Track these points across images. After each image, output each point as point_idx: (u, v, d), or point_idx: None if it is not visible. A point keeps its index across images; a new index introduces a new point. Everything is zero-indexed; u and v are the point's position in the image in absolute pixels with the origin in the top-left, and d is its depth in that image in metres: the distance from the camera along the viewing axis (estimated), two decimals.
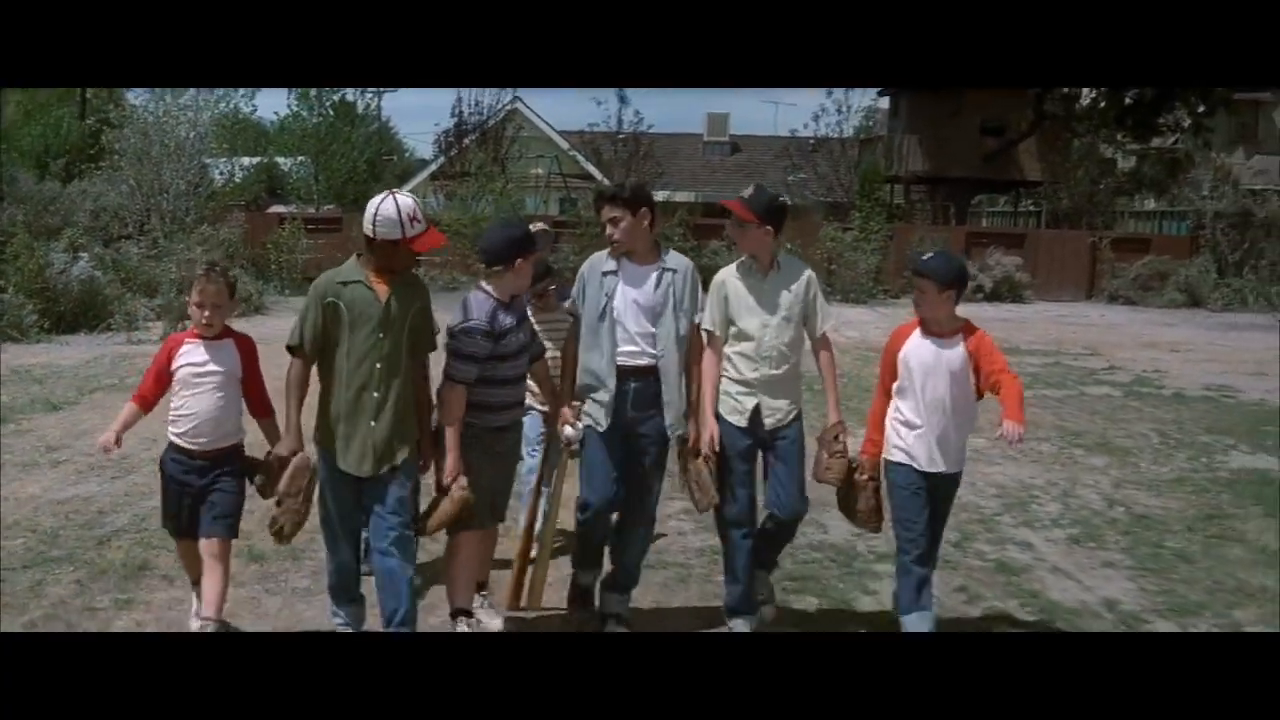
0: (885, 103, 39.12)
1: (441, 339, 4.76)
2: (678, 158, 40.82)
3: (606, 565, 5.27)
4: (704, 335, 5.06)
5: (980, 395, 4.92)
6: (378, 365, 4.50)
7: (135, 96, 27.70)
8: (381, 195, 4.54)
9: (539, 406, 5.40)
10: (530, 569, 5.29)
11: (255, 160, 33.02)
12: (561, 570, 5.52)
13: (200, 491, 4.67)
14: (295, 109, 35.53)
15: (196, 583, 4.84)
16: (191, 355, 4.68)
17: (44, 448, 8.51)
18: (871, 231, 26.19)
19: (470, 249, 21.66)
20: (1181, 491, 8.16)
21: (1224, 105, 33.66)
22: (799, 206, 32.10)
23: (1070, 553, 6.56)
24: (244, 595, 5.48)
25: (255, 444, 4.87)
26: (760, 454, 5.09)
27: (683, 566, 6.16)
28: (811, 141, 33.53)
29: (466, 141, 30.19)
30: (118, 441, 4.61)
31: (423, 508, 4.70)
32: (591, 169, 33.30)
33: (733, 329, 5.05)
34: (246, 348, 4.81)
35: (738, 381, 5.05)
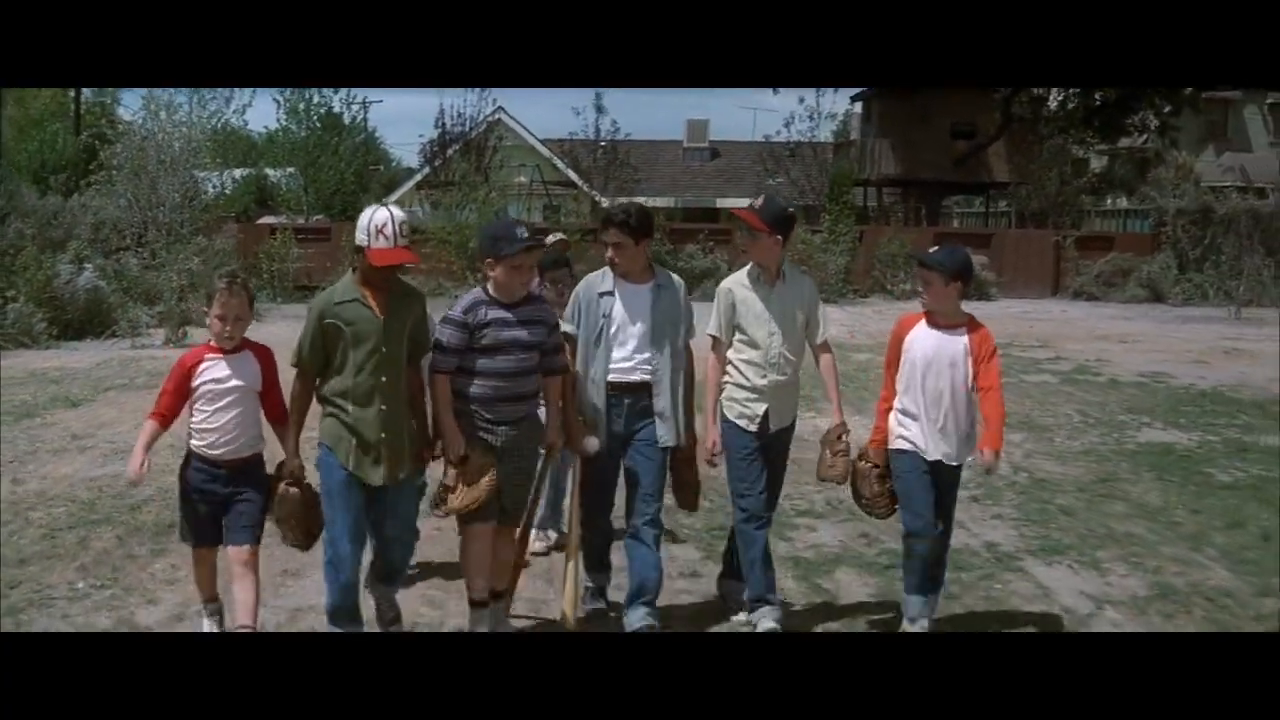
0: (859, 108, 40.17)
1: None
2: (658, 163, 41.80)
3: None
4: (709, 340, 5.27)
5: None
6: (383, 379, 4.58)
7: (128, 111, 28.42)
8: (372, 206, 4.68)
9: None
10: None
11: (245, 172, 33.80)
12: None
13: (224, 500, 4.68)
14: (284, 123, 36.45)
15: (209, 600, 4.91)
16: (214, 371, 4.65)
17: (69, 436, 9.45)
18: (840, 234, 27.07)
19: (455, 256, 22.64)
20: (1085, 461, 9.11)
21: (1190, 105, 34.46)
22: None
23: (968, 509, 7.42)
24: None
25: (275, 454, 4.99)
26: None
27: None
28: (790, 147, 34.47)
29: (450, 151, 30.97)
30: (144, 465, 4.55)
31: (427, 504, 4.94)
32: (573, 175, 34.27)
33: (740, 336, 5.20)
34: (266, 358, 4.79)
35: (747, 389, 5.18)
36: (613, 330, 5.08)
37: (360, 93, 37.70)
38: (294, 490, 4.70)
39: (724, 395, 5.26)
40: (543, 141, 37.04)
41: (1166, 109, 34.25)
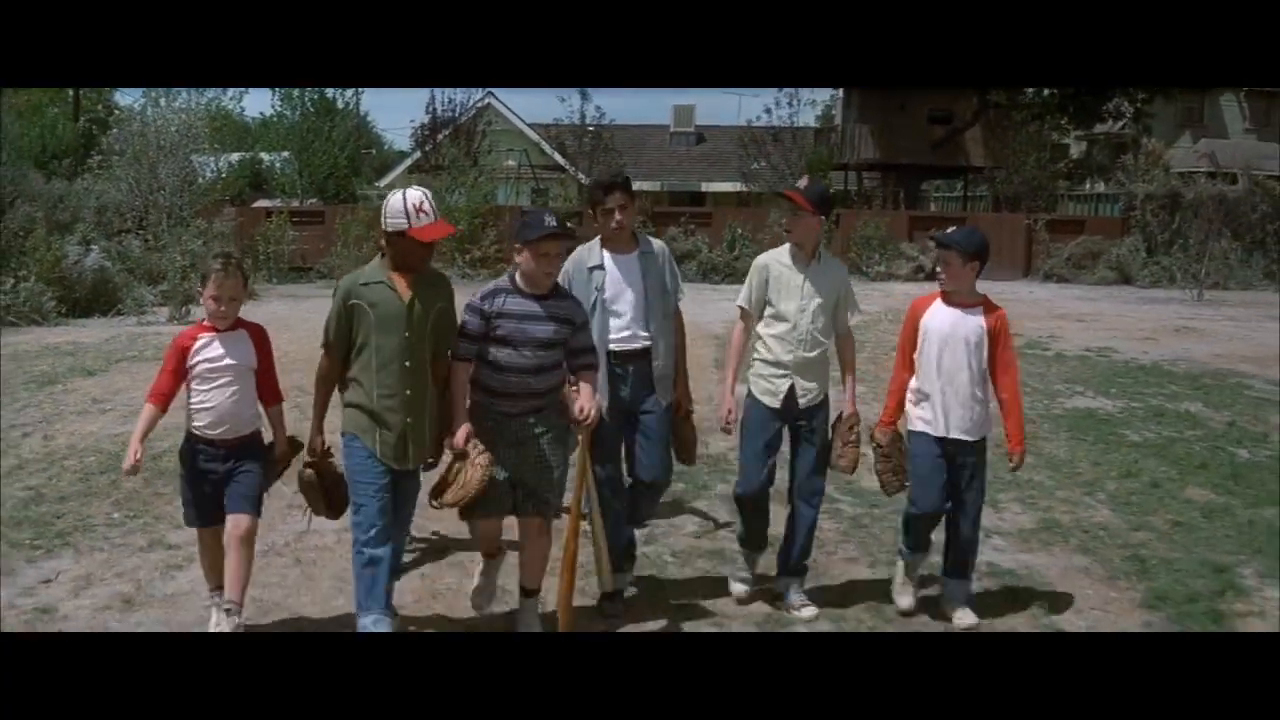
0: (842, 93, 40.85)
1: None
2: (646, 148, 42.44)
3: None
4: (738, 311, 5.40)
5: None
6: (406, 364, 4.59)
7: (126, 97, 28.86)
8: (394, 192, 4.71)
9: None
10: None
11: (240, 156, 34.33)
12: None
13: (223, 476, 4.76)
14: (279, 108, 37.02)
15: (215, 589, 4.94)
16: (208, 350, 4.73)
17: (90, 400, 10.40)
18: None
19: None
20: None
21: (1164, 93, 35.09)
22: (758, 195, 33.93)
23: None
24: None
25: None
26: (788, 432, 5.39)
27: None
28: (772, 131, 35.13)
29: (441, 136, 31.51)
30: (139, 455, 4.68)
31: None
32: (560, 159, 35.00)
33: (770, 310, 5.27)
34: (260, 337, 4.88)
35: (772, 364, 5.26)
36: (608, 301, 5.16)
37: None
38: (310, 472, 4.84)
39: (750, 371, 5.38)
40: (531, 126, 37.67)
41: (1141, 96, 35.01)
